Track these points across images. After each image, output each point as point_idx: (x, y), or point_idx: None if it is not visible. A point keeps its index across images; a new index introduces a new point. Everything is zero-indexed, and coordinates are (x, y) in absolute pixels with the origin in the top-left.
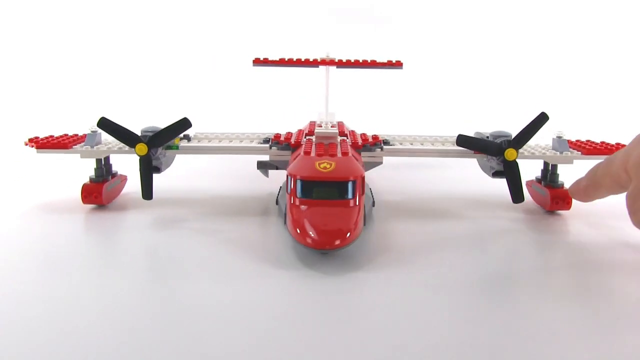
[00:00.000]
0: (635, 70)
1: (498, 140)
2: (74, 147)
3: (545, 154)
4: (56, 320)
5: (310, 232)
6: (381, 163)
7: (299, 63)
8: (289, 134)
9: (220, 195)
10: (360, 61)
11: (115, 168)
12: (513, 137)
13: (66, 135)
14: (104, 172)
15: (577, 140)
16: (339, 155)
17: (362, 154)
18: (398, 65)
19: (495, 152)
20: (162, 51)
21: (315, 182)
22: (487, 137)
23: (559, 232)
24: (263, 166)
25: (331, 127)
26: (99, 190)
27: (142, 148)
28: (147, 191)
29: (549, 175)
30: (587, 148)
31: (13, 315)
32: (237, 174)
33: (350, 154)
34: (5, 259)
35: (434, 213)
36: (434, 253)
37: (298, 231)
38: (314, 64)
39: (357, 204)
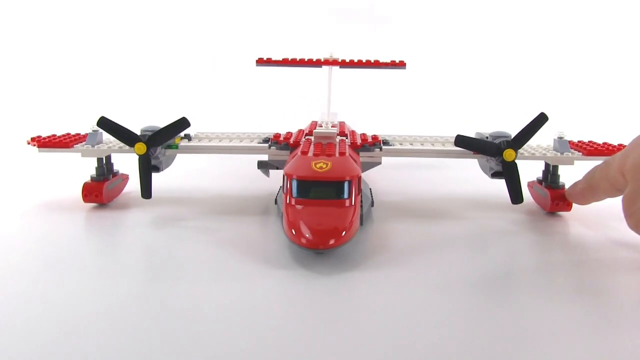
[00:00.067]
0: (637, 70)
1: (497, 141)
2: (75, 146)
3: (545, 155)
4: (56, 320)
5: (305, 232)
6: (380, 163)
7: (302, 63)
8: (289, 134)
9: (220, 194)
10: (364, 61)
11: (117, 167)
12: (512, 137)
13: (68, 134)
14: (105, 171)
15: (579, 141)
16: (337, 155)
17: (361, 154)
18: (401, 65)
19: (494, 152)
20: (166, 51)
21: (311, 182)
22: (487, 137)
23: (559, 233)
24: (263, 166)
25: (332, 127)
26: (100, 189)
27: (141, 147)
28: (146, 190)
29: (549, 176)
30: (588, 149)
31: (13, 314)
32: (238, 173)
33: (347, 154)
34: (6, 257)
35: (433, 213)
36: (432, 253)
37: (293, 232)
38: (317, 63)
39: (353, 203)
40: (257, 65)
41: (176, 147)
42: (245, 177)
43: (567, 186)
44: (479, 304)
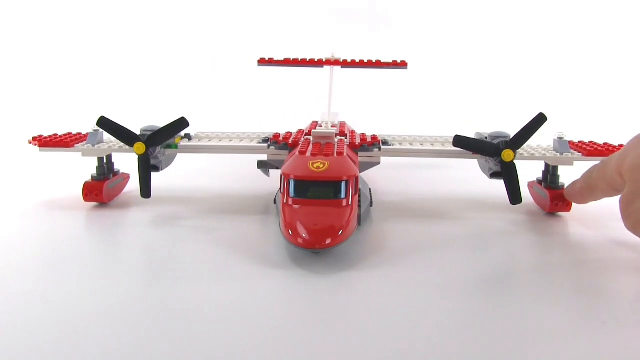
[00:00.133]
0: (637, 70)
1: (496, 141)
2: (75, 145)
3: (545, 155)
4: (56, 319)
5: (301, 232)
6: (379, 163)
7: (303, 63)
8: (289, 134)
9: (220, 194)
10: (365, 61)
11: (118, 167)
12: (511, 138)
13: (70, 133)
14: (106, 170)
15: (580, 142)
16: (335, 155)
17: (360, 154)
18: (403, 65)
19: (492, 153)
20: (166, 51)
21: (308, 182)
22: (486, 137)
23: (559, 233)
24: (263, 165)
25: (332, 127)
26: (100, 189)
27: (140, 147)
28: (145, 190)
29: (549, 176)
30: (588, 149)
31: (13, 314)
32: (238, 173)
33: (345, 154)
34: (6, 257)
35: (433, 213)
36: (431, 253)
37: (290, 232)
38: (319, 63)
39: (350, 203)
40: (259, 65)
41: (176, 146)
42: (245, 177)
43: (566, 186)
44: (479, 304)
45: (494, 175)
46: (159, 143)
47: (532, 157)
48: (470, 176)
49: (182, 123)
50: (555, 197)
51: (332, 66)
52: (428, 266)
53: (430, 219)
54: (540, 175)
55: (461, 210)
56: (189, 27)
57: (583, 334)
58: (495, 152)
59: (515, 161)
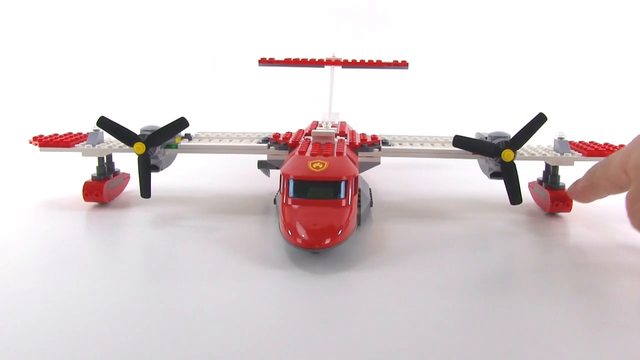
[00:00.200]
0: (637, 70)
1: (496, 141)
2: (76, 145)
3: (545, 155)
4: (56, 319)
5: (300, 232)
6: (379, 163)
7: (304, 63)
8: (289, 134)
9: (220, 194)
10: (366, 61)
11: (118, 166)
12: (511, 138)
13: (70, 133)
14: (106, 170)
15: (580, 142)
16: (334, 155)
17: (360, 154)
18: (404, 65)
19: (492, 153)
20: (166, 51)
21: (307, 182)
22: (486, 137)
23: (559, 234)
24: (264, 165)
25: (332, 127)
26: (100, 188)
27: (139, 147)
28: (145, 190)
29: (549, 177)
30: (588, 149)
31: (14, 313)
32: (238, 173)
33: (344, 154)
34: (7, 256)
35: (433, 214)
36: (431, 253)
37: (289, 232)
38: (320, 63)
39: (349, 203)
40: (259, 65)
41: (176, 146)
42: (245, 177)
43: (567, 187)
44: (478, 304)
45: (494, 175)
46: (159, 143)
47: (532, 157)
48: (470, 176)
49: (182, 123)
50: (555, 197)
51: (332, 66)
52: (428, 266)
53: (430, 219)
54: (540, 175)
55: (461, 210)
56: (189, 27)
57: (583, 335)
58: (495, 152)
59: (515, 161)
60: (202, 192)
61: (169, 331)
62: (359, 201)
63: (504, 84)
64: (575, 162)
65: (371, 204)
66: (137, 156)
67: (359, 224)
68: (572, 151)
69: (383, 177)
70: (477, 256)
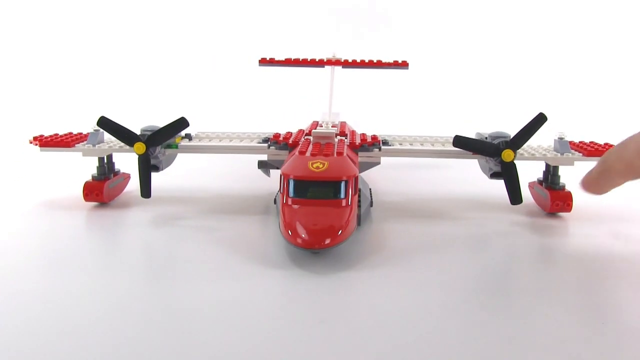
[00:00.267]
0: (638, 70)
1: (496, 141)
2: (76, 145)
3: (545, 155)
4: (56, 319)
5: (301, 232)
6: (379, 163)
7: (305, 63)
8: (289, 134)
9: (221, 194)
10: (366, 61)
11: (119, 166)
12: (511, 138)
13: (70, 133)
14: (106, 170)
15: (580, 142)
16: (334, 155)
17: (360, 154)
18: (404, 65)
19: (492, 153)
20: (166, 51)
21: (308, 182)
22: (486, 137)
23: (559, 234)
24: (264, 165)
25: (332, 127)
26: (100, 188)
27: (140, 147)
28: (145, 189)
29: (549, 177)
30: (588, 149)
31: (14, 313)
32: (238, 173)
33: (345, 154)
34: (7, 256)
35: (433, 214)
36: (431, 253)
37: (289, 232)
38: (320, 63)
39: (349, 203)
40: (260, 65)
41: (176, 146)
42: (245, 177)
43: (567, 187)
44: (478, 304)
45: (494, 175)
46: (159, 143)
47: (532, 157)
48: (470, 176)
49: (182, 123)
50: (556, 197)
51: (333, 66)
52: (428, 266)
53: (430, 219)
54: (540, 175)
55: (461, 210)
56: (190, 27)
57: (583, 335)
58: (495, 152)
59: (515, 161)
60: (202, 192)
61: (169, 331)
62: (359, 201)
63: (504, 84)
64: (575, 162)
65: (371, 204)
66: (137, 156)
67: (359, 224)
68: (572, 151)
69: (383, 177)
70: (477, 256)
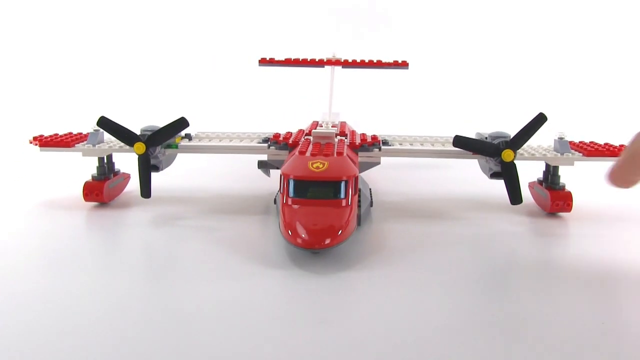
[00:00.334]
0: (638, 70)
1: (496, 141)
2: (76, 145)
3: (545, 155)
4: (56, 319)
5: (301, 232)
6: (379, 163)
7: (304, 63)
8: (289, 134)
9: (221, 194)
10: (366, 61)
11: (119, 166)
12: (511, 138)
13: (70, 133)
14: (106, 170)
15: (580, 142)
16: (334, 155)
17: (360, 154)
18: (404, 65)
19: (492, 153)
20: (166, 51)
21: (307, 182)
22: (486, 137)
23: (559, 234)
24: (264, 165)
25: (332, 127)
26: (100, 188)
27: (140, 147)
28: (145, 189)
29: (550, 177)
30: (588, 149)
31: (14, 313)
32: (238, 173)
33: (345, 154)
34: (7, 256)
35: (433, 214)
36: (431, 253)
37: (289, 232)
38: (320, 63)
39: (349, 203)
40: (260, 65)
41: (176, 146)
42: (245, 177)
43: (567, 187)
44: (478, 304)
45: (494, 175)
46: (159, 143)
47: (532, 157)
48: (470, 176)
49: (182, 123)
50: (556, 197)
51: (333, 66)
52: (428, 266)
53: (430, 219)
54: (540, 175)
55: (461, 210)
56: (189, 27)
57: (582, 334)
58: (495, 152)
59: (515, 161)
60: (202, 192)
61: (169, 331)
62: (359, 201)
63: (504, 84)
64: (575, 162)
65: (371, 204)
66: (137, 156)
67: (359, 224)
68: (572, 151)
69: (383, 177)
70: (477, 256)
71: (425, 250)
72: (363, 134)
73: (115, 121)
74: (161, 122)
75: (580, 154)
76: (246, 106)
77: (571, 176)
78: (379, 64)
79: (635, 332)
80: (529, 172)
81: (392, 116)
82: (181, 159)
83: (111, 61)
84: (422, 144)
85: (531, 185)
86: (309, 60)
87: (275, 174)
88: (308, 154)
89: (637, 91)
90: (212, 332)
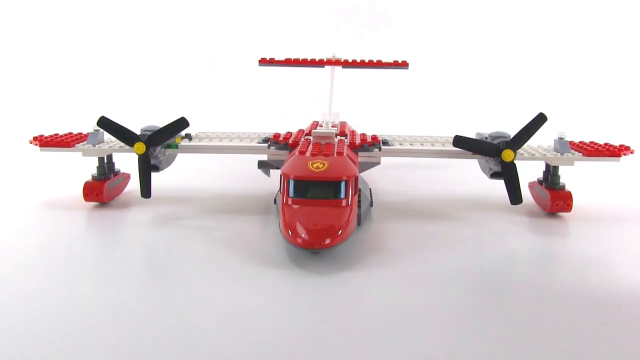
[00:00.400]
0: (638, 70)
1: (496, 141)
2: (76, 145)
3: (545, 155)
4: (56, 319)
5: (300, 232)
6: (379, 163)
7: (304, 63)
8: (289, 134)
9: (220, 194)
10: (366, 61)
11: (119, 166)
12: (511, 138)
13: (70, 133)
14: (106, 170)
15: (580, 142)
16: (334, 155)
17: (360, 154)
18: (404, 65)
19: (492, 153)
20: (166, 51)
21: (307, 182)
22: (486, 137)
23: (559, 234)
24: (264, 165)
25: (332, 127)
26: (100, 188)
27: (140, 147)
28: (145, 190)
29: (550, 177)
30: (588, 149)
31: (14, 313)
32: (238, 173)
33: (344, 154)
34: (7, 256)
35: (433, 214)
36: (431, 253)
37: (289, 232)
38: (320, 63)
39: (349, 203)
40: (259, 65)
41: (176, 146)
42: (245, 177)
43: (567, 187)
44: (478, 304)
45: (494, 175)
46: (159, 143)
47: (532, 157)
48: (470, 176)
49: (182, 123)
50: (556, 197)
51: (333, 66)
52: (428, 266)
53: (430, 219)
54: (540, 175)
55: (461, 210)
56: (189, 27)
57: (582, 334)
58: (495, 152)
59: (515, 161)
60: (202, 192)
61: (169, 331)
62: (359, 201)
63: (504, 84)
64: (575, 162)
65: (371, 204)
66: (137, 156)
67: (359, 224)
68: (572, 151)
69: (383, 177)
70: (477, 256)
71: (425, 250)
72: (363, 134)
73: (115, 121)
74: (161, 122)
75: (580, 154)
76: (246, 106)
77: (571, 176)
78: (379, 64)
79: (635, 333)
80: (529, 172)
81: (392, 116)
82: (181, 159)
83: (111, 61)
84: (422, 144)
85: (531, 185)
86: (309, 60)
87: (275, 174)
88: (308, 154)
89: (637, 91)
90: (212, 332)
